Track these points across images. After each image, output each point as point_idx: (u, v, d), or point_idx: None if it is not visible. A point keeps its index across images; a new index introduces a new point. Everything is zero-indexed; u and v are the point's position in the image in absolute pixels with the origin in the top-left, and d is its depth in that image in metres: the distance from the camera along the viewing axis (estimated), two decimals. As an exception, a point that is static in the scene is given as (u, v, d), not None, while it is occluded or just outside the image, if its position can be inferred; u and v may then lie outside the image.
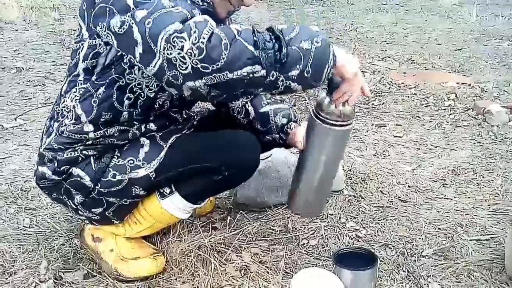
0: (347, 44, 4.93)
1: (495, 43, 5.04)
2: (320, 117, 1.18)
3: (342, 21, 6.34)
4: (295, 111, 1.48)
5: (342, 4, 7.83)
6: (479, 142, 2.36)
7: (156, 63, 0.94)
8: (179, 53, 0.91)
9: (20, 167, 2.00)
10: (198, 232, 1.45)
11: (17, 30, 5.03)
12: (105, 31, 1.01)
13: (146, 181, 1.19)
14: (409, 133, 2.49)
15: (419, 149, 2.28)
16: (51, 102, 2.91)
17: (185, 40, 0.90)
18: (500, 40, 5.17)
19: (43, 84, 3.29)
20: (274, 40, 0.95)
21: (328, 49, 0.99)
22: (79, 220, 1.35)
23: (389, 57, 4.33)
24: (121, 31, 0.97)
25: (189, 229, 1.45)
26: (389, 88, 3.31)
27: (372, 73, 3.67)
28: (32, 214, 1.57)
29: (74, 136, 1.16)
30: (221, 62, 0.91)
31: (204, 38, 0.90)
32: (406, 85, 3.38)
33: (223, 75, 0.92)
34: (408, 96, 3.14)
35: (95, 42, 1.10)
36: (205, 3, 1.12)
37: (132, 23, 0.95)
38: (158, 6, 0.95)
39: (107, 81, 1.12)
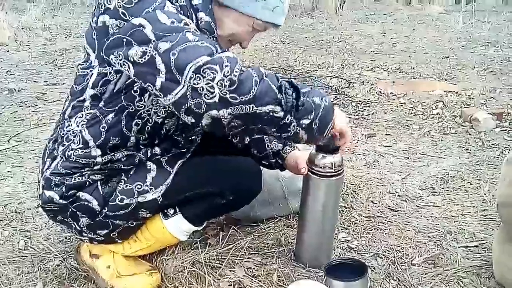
0: (336, 55, 5.00)
1: (481, 50, 5.13)
2: (314, 171, 1.31)
3: (331, 33, 6.43)
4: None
5: (331, 16, 7.94)
6: (467, 149, 2.41)
7: (178, 92, 0.97)
8: (208, 83, 0.96)
9: (13, 189, 2.01)
10: (192, 248, 1.47)
11: (8, 51, 5.05)
12: (120, 60, 1.03)
13: (153, 204, 1.22)
14: (398, 143, 2.54)
15: (408, 158, 2.32)
16: (44, 123, 2.93)
17: (217, 72, 0.96)
18: (486, 47, 5.26)
19: (35, 105, 3.31)
20: (293, 89, 1.04)
21: (332, 108, 1.11)
22: (79, 240, 1.36)
23: (377, 67, 4.39)
24: (141, 60, 1.00)
25: (183, 246, 1.47)
26: (378, 98, 3.37)
27: (361, 83, 3.73)
28: (27, 236, 1.58)
29: (82, 161, 1.18)
30: (250, 95, 0.98)
31: (236, 72, 0.97)
32: (394, 95, 3.44)
33: (249, 107, 0.98)
34: (397, 106, 3.20)
35: (105, 70, 1.12)
36: (213, 35, 1.17)
37: (155, 54, 0.98)
38: (183, 39, 0.98)
39: (116, 108, 1.14)
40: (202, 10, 1.13)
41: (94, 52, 1.12)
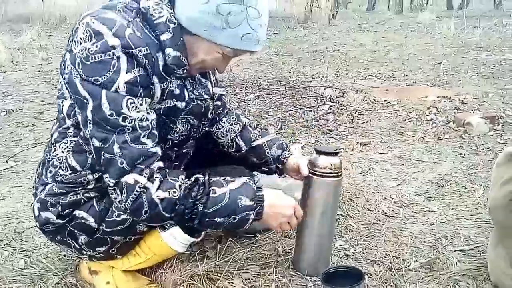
0: (330, 65, 5.06)
1: (473, 55, 5.18)
2: (314, 172, 1.37)
3: (325, 43, 6.50)
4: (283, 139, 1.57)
5: (324, 26, 8.04)
6: (461, 154, 2.43)
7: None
8: (112, 197, 1.15)
9: (13, 209, 2.02)
10: (190, 261, 1.48)
11: (5, 72, 5.09)
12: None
13: None
14: (393, 149, 2.56)
15: (403, 164, 2.34)
16: (42, 142, 2.95)
17: (118, 196, 1.12)
18: (478, 51, 5.32)
19: (33, 124, 3.34)
20: (194, 211, 1.15)
21: (244, 222, 1.21)
22: (78, 258, 1.37)
23: (371, 75, 4.44)
24: (84, 130, 1.13)
25: (182, 259, 1.48)
26: (372, 106, 3.40)
27: (356, 92, 3.77)
28: (27, 255, 1.59)
29: (75, 181, 1.21)
30: (141, 219, 1.15)
31: (129, 203, 1.11)
32: (388, 102, 3.48)
33: (142, 222, 1.21)
34: (391, 113, 3.23)
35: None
36: (183, 68, 1.18)
37: (90, 141, 1.11)
38: (110, 149, 1.09)
39: None
40: (170, 46, 1.13)
41: (65, 84, 1.15)
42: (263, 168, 1.50)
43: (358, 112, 3.28)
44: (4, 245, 1.67)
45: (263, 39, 1.18)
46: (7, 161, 2.65)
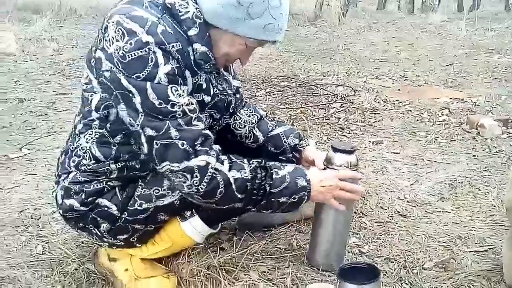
0: (341, 63, 5.05)
1: (485, 57, 5.16)
2: (332, 169, 1.36)
3: (335, 41, 6.48)
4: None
5: (334, 25, 8.01)
6: (474, 156, 2.43)
7: (155, 167, 1.16)
8: (179, 182, 1.14)
9: (28, 196, 2.04)
10: (206, 253, 1.49)
11: (16, 61, 5.12)
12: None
13: (171, 208, 1.26)
14: (406, 149, 2.56)
15: (416, 164, 2.34)
16: (55, 131, 2.97)
17: (187, 180, 1.12)
18: (490, 54, 5.29)
19: (45, 114, 3.36)
20: (261, 191, 1.19)
21: (301, 202, 1.26)
22: (98, 245, 1.39)
23: (382, 75, 4.44)
24: (130, 127, 1.13)
25: (198, 251, 1.49)
26: (384, 106, 3.40)
27: (367, 91, 3.76)
28: (44, 241, 1.61)
29: (98, 170, 1.23)
30: (212, 201, 1.16)
31: (204, 183, 1.12)
32: (400, 102, 3.47)
33: (211, 205, 1.19)
34: (403, 113, 3.23)
35: (107, 95, 1.16)
36: (210, 62, 1.20)
37: (141, 132, 1.11)
38: (166, 134, 1.09)
39: (124, 128, 1.18)
40: (197, 41, 1.15)
41: (95, 78, 1.16)
42: (280, 157, 1.51)
43: (370, 111, 3.28)
44: (21, 230, 1.69)
45: (285, 27, 1.20)
46: (20, 149, 2.67)
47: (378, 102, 3.49)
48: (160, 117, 1.09)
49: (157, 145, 1.10)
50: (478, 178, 2.15)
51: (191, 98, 1.14)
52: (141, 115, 1.09)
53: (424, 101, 3.45)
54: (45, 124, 3.14)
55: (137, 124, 1.10)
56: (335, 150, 1.38)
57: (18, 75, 4.55)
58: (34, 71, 4.71)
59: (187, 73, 1.16)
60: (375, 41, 6.45)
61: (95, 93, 1.17)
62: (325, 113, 3.23)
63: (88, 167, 1.22)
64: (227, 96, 1.32)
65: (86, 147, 1.22)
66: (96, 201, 1.23)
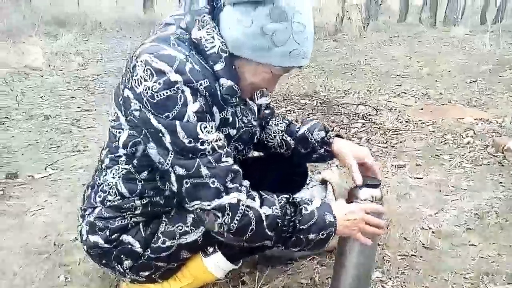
0: (362, 79, 5.01)
1: (510, 74, 5.05)
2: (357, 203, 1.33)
3: (356, 56, 6.46)
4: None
5: (355, 38, 7.97)
6: (501, 183, 2.36)
7: (184, 206, 1.15)
8: (209, 221, 1.12)
9: (52, 219, 2.07)
10: (228, 287, 1.49)
11: (42, 76, 5.24)
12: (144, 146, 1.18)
13: (194, 245, 1.26)
14: (430, 174, 2.51)
15: (440, 191, 2.29)
16: (79, 150, 3.02)
17: (219, 218, 1.11)
18: (516, 70, 5.17)
19: (70, 131, 3.42)
20: (290, 228, 1.17)
21: (328, 238, 1.23)
22: (120, 279, 1.40)
23: (404, 92, 4.38)
24: (159, 165, 1.14)
25: (219, 285, 1.48)
26: (406, 126, 3.35)
27: (389, 110, 3.72)
28: (67, 270, 1.63)
29: (123, 206, 1.24)
30: (243, 238, 1.15)
31: (236, 221, 1.11)
32: (423, 122, 3.42)
33: (240, 243, 1.18)
34: (426, 134, 3.17)
35: (135, 133, 1.17)
36: (236, 96, 1.19)
37: (171, 171, 1.11)
38: (196, 172, 1.09)
39: (149, 167, 1.19)
40: (223, 76, 1.14)
41: (124, 116, 1.17)
42: (313, 156, 1.48)
43: (392, 132, 3.24)
44: (45, 258, 1.71)
45: (310, 51, 1.16)
46: (45, 169, 2.72)
47: (400, 122, 3.45)
48: (190, 155, 1.09)
49: (187, 184, 1.10)
50: (505, 208, 2.08)
51: (219, 133, 1.14)
52: (171, 154, 1.09)
53: (448, 122, 3.40)
54: (69, 142, 3.19)
55: (167, 163, 1.10)
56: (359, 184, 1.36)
57: (44, 90, 4.66)
58: (60, 86, 4.82)
59: (215, 108, 1.16)
60: (396, 55, 6.39)
61: (123, 130, 1.18)
62: (346, 133, 3.20)
63: (113, 203, 1.23)
64: (252, 128, 1.32)
65: (112, 182, 1.23)
66: (120, 238, 1.23)
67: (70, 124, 3.60)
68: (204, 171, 1.09)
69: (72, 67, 5.52)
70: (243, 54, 1.13)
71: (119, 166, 1.22)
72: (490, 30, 8.06)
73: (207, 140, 1.09)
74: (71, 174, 2.63)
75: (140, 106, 1.09)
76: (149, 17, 10.20)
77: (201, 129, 1.09)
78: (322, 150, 1.45)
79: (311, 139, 1.46)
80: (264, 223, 1.13)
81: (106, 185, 1.24)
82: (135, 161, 1.20)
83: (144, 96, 1.07)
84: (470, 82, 4.77)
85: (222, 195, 1.10)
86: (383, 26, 9.77)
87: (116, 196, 1.23)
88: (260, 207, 1.13)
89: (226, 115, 1.21)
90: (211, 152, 1.10)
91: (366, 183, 1.35)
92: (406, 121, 3.45)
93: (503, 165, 2.57)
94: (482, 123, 3.31)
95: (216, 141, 1.11)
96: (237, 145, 1.28)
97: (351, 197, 1.36)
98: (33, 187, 2.46)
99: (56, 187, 2.46)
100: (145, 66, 1.07)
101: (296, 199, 1.21)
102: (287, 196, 1.21)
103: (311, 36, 1.15)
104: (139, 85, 1.08)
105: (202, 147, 1.09)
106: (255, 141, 1.38)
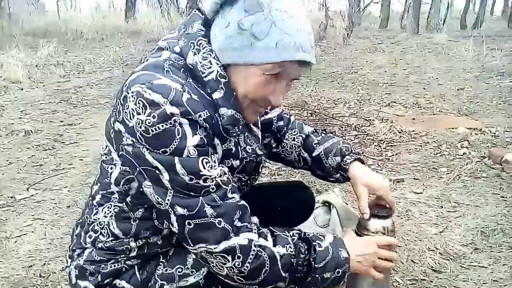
0: (351, 89, 4.97)
1: (496, 81, 5.07)
2: (365, 236, 1.25)
3: (341, 63, 6.43)
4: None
5: (339, 46, 7.98)
6: (502, 197, 2.32)
7: (189, 248, 1.04)
8: (217, 265, 1.01)
9: (36, 246, 1.94)
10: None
11: (22, 89, 5.06)
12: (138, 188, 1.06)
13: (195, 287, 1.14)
14: (429, 188, 2.45)
15: (442, 207, 2.23)
16: (63, 168, 2.88)
17: (228, 261, 0.99)
18: (501, 77, 5.20)
19: (53, 147, 3.27)
20: (305, 268, 1.07)
21: (343, 276, 1.12)
22: None
23: (394, 102, 4.35)
24: (157, 205, 1.01)
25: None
26: (400, 137, 3.30)
27: (381, 121, 3.67)
28: (55, 307, 1.51)
29: (116, 248, 1.11)
30: (255, 282, 1.03)
31: (248, 264, 1.00)
32: (416, 133, 3.37)
33: (251, 286, 1.05)
34: (421, 145, 3.13)
35: (127, 169, 1.04)
36: (239, 124, 1.08)
37: (171, 212, 0.99)
38: (200, 213, 0.97)
39: (145, 205, 1.07)
40: (223, 105, 1.02)
41: (115, 151, 1.05)
42: (330, 179, 1.40)
43: (386, 143, 3.18)
44: (30, 293, 1.59)
45: (307, 45, 0.99)
46: (27, 189, 2.57)
47: (394, 133, 3.40)
48: (192, 193, 0.97)
49: (190, 225, 0.98)
50: (510, 224, 2.03)
51: (222, 167, 1.03)
52: (170, 193, 0.98)
53: (441, 132, 3.36)
54: (52, 159, 3.05)
55: (166, 203, 0.98)
56: (370, 214, 1.28)
57: (25, 103, 4.49)
58: (41, 99, 4.65)
59: (216, 140, 1.05)
60: (381, 63, 6.40)
61: (115, 166, 1.07)
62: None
63: (105, 245, 1.11)
64: (256, 157, 1.22)
65: (104, 222, 1.11)
66: (113, 283, 1.11)
67: (52, 140, 3.45)
68: (208, 210, 0.97)
69: (53, 80, 5.35)
70: (229, 60, 1.00)
71: (111, 204, 1.10)
72: (471, 34, 8.16)
73: (210, 176, 0.98)
74: (55, 195, 2.49)
75: (133, 141, 0.97)
76: (131, 26, 10.02)
77: (203, 165, 0.97)
78: (338, 175, 1.36)
79: (326, 164, 1.37)
80: (279, 263, 1.03)
81: (97, 224, 1.11)
82: (128, 199, 1.08)
83: (137, 131, 0.95)
84: (458, 89, 4.77)
85: (230, 236, 0.99)
86: (366, 33, 9.82)
87: (109, 236, 1.10)
88: (274, 246, 1.03)
89: (229, 146, 1.10)
90: (215, 189, 0.99)
91: (376, 213, 1.27)
92: (399, 132, 3.40)
93: (502, 178, 2.53)
94: (476, 133, 3.29)
95: (220, 176, 1.00)
96: (241, 176, 1.17)
97: (361, 228, 1.28)
98: (15, 209, 2.33)
99: (39, 209, 2.32)
100: (136, 98, 0.94)
101: (308, 235, 1.11)
102: (298, 231, 1.11)
103: (305, 26, 1.00)
104: (131, 119, 0.95)
105: (205, 184, 0.98)
106: (260, 170, 1.28)
